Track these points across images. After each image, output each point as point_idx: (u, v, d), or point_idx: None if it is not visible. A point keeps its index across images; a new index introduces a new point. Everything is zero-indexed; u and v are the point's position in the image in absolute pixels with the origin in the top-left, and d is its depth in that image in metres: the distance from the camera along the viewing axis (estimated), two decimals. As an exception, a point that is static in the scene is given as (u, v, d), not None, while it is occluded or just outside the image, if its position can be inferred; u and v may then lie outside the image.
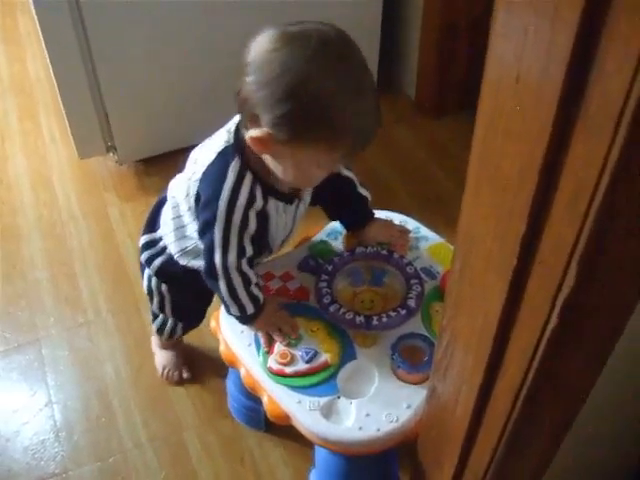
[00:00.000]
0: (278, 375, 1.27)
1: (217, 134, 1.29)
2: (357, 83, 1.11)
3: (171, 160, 2.40)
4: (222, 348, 1.38)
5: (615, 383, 1.05)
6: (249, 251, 1.27)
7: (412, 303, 1.32)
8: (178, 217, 1.39)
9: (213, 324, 1.41)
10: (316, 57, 1.07)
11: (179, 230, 1.40)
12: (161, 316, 1.68)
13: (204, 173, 1.25)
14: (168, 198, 1.41)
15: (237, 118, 1.25)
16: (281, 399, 1.26)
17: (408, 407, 1.22)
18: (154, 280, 1.55)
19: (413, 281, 1.36)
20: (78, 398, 1.83)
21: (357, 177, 1.47)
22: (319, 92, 1.07)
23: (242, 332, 1.35)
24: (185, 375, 1.83)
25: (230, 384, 1.67)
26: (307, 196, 1.38)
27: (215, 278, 1.28)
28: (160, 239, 1.47)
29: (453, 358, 0.95)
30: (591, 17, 0.50)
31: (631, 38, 0.47)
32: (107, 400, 1.81)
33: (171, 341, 1.79)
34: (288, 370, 1.27)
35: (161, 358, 1.84)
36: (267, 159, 1.19)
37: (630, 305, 0.72)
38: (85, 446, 1.72)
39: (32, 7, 2.01)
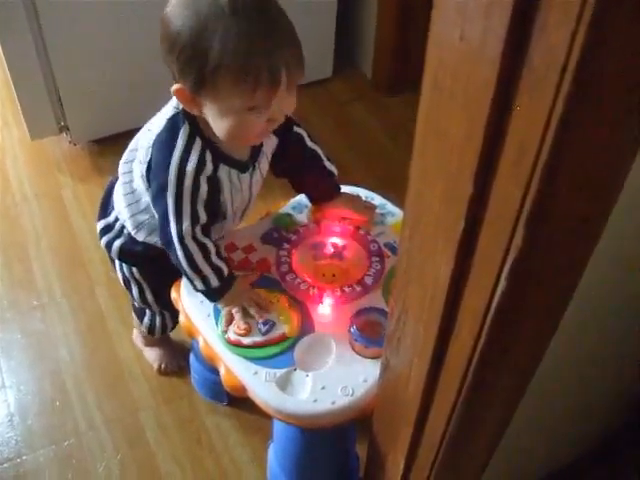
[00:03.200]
0: (235, 345, 1.26)
1: (169, 102, 1.28)
2: (247, 20, 1.08)
3: (126, 140, 2.32)
4: (182, 319, 1.36)
5: (577, 356, 1.05)
6: (203, 218, 1.25)
7: (369, 280, 1.31)
8: (131, 192, 1.36)
9: (174, 295, 1.40)
10: (203, 4, 1.09)
11: (134, 205, 1.37)
12: (148, 313, 1.65)
13: (155, 139, 1.24)
14: (119, 176, 1.39)
15: None
16: (238, 370, 1.24)
17: (364, 381, 1.21)
18: (125, 267, 1.51)
19: (374, 258, 1.36)
20: (32, 382, 1.80)
21: (323, 151, 1.46)
22: (201, 32, 1.08)
23: (201, 302, 1.34)
24: (182, 363, 1.80)
25: (192, 357, 1.66)
26: (263, 164, 1.36)
27: (173, 247, 1.26)
28: (116, 220, 1.44)
29: (405, 329, 0.94)
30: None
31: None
32: (61, 383, 1.79)
33: (163, 336, 1.76)
34: (245, 341, 1.26)
35: (152, 354, 1.82)
36: (201, 112, 1.19)
37: (579, 266, 0.71)
38: (39, 430, 1.70)
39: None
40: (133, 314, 1.71)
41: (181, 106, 1.22)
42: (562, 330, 0.82)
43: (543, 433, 1.30)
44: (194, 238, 1.25)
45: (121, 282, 1.56)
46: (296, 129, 1.40)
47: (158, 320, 1.65)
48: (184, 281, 1.36)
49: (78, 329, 1.91)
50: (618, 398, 1.47)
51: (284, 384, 1.21)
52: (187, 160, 1.20)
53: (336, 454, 1.44)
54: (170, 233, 1.25)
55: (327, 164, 1.45)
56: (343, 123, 2.50)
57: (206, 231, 1.27)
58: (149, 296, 1.57)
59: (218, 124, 1.18)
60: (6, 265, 2.07)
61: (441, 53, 0.63)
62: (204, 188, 1.23)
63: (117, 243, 1.45)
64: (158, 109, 1.31)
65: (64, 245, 2.13)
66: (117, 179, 1.42)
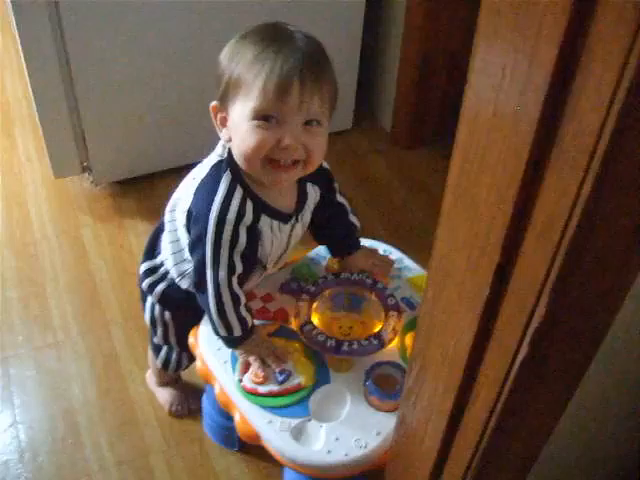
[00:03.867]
0: (251, 394, 1.28)
1: (214, 151, 1.31)
2: (275, 43, 1.16)
3: (146, 183, 2.41)
4: (199, 364, 1.38)
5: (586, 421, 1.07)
6: (239, 268, 1.26)
7: (385, 334, 1.33)
8: (176, 241, 1.38)
9: (191, 340, 1.41)
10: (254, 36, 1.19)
11: (177, 254, 1.38)
12: (165, 348, 1.65)
13: (197, 187, 1.27)
14: (165, 222, 1.40)
15: None
16: (252, 418, 1.26)
17: (378, 434, 1.23)
18: (157, 308, 1.52)
19: (392, 312, 1.37)
20: (44, 419, 1.81)
21: (350, 205, 1.48)
22: (235, 55, 1.18)
23: (219, 349, 1.36)
24: (194, 406, 1.80)
25: (206, 402, 1.66)
26: (306, 216, 1.38)
27: (205, 294, 1.27)
28: (161, 264, 1.45)
29: (423, 387, 0.95)
30: (567, 58, 0.52)
31: (604, 78, 0.49)
32: (73, 422, 1.79)
33: (176, 375, 1.77)
34: (261, 389, 1.28)
35: (164, 395, 1.82)
36: (227, 138, 1.24)
37: (600, 336, 0.73)
38: (50, 468, 1.70)
39: (13, 25, 2.02)
40: (149, 349, 1.71)
41: (225, 154, 1.25)
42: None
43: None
44: (229, 288, 1.26)
45: (147, 320, 1.57)
46: (334, 183, 1.44)
47: (174, 356, 1.66)
48: (202, 327, 1.38)
49: (92, 368, 1.92)
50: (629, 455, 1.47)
51: (298, 434, 1.23)
52: (227, 209, 1.22)
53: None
54: (206, 281, 1.26)
55: (352, 218, 1.48)
56: (361, 175, 2.53)
57: (241, 281, 1.29)
58: (172, 337, 1.58)
59: (235, 140, 1.21)
60: (23, 301, 2.09)
61: (474, 126, 0.65)
62: (243, 238, 1.24)
63: (160, 287, 1.46)
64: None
65: (81, 284, 2.15)
66: (162, 223, 1.43)
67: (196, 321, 1.43)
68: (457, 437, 0.90)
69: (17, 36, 2.01)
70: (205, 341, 1.38)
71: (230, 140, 1.23)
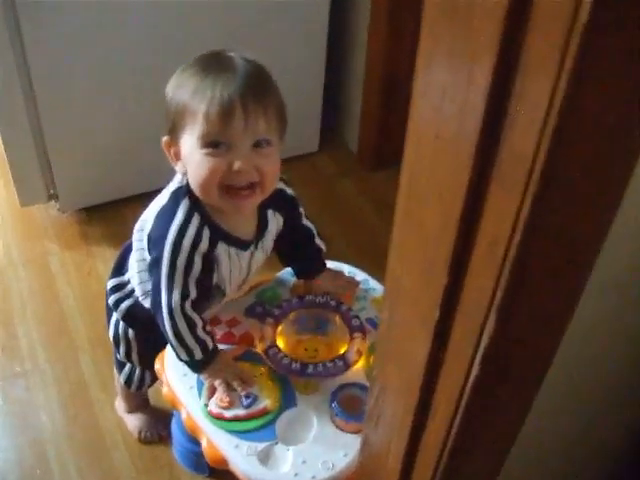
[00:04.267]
0: (217, 419, 1.28)
1: (175, 177, 1.32)
2: (215, 70, 1.19)
3: (113, 209, 2.40)
4: (165, 390, 1.38)
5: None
6: (193, 294, 1.27)
7: (351, 356, 1.34)
8: (142, 260, 1.38)
9: (157, 365, 1.41)
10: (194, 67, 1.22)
11: (143, 273, 1.39)
12: (128, 365, 1.65)
13: (157, 213, 1.28)
14: (133, 242, 1.41)
15: None
16: (219, 443, 1.26)
17: (345, 455, 1.23)
18: (121, 325, 1.52)
19: (356, 334, 1.38)
20: (12, 449, 1.79)
21: (316, 227, 1.49)
22: (178, 87, 1.22)
23: (185, 375, 1.36)
24: (163, 432, 1.79)
25: (174, 427, 1.66)
26: (267, 243, 1.39)
27: (161, 317, 1.28)
28: (128, 282, 1.46)
29: (384, 408, 0.96)
30: (502, 79, 0.53)
31: (537, 99, 0.50)
32: (42, 451, 1.78)
33: (137, 397, 1.76)
34: (227, 414, 1.27)
35: (134, 421, 1.81)
36: (183, 170, 1.25)
37: (551, 351, 0.74)
38: (18, 499, 1.69)
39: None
40: (114, 369, 1.71)
41: (185, 181, 1.26)
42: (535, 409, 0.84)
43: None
44: (182, 312, 1.27)
45: (111, 337, 1.57)
46: (299, 209, 1.45)
47: (137, 374, 1.66)
48: (168, 352, 1.38)
49: (60, 396, 1.91)
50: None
51: (265, 458, 1.23)
52: (184, 235, 1.23)
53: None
54: (160, 303, 1.27)
55: (318, 242, 1.49)
56: (328, 197, 2.54)
57: (195, 306, 1.29)
58: (135, 356, 1.58)
59: (190, 172, 1.22)
60: (-10, 330, 2.08)
61: (418, 148, 0.66)
62: (198, 265, 1.25)
63: (125, 304, 1.47)
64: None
65: (49, 312, 2.14)
66: (131, 242, 1.44)
67: (160, 341, 1.42)
68: (418, 456, 0.90)
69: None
70: (171, 366, 1.38)
71: (185, 173, 1.24)
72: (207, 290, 1.32)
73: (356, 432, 1.25)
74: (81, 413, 1.86)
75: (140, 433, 1.79)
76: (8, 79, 2.03)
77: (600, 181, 0.57)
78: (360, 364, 1.35)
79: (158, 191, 1.35)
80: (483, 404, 0.75)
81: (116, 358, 1.66)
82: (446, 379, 0.76)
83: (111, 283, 1.50)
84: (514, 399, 0.79)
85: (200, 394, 1.32)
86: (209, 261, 1.27)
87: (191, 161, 1.20)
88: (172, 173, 1.32)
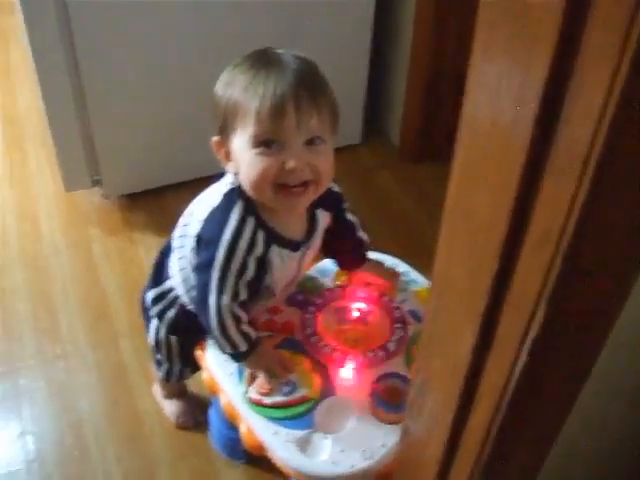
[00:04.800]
0: (257, 405, 1.28)
1: (225, 177, 1.30)
2: (265, 68, 1.17)
3: (156, 196, 2.42)
4: (205, 376, 1.39)
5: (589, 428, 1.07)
6: (243, 295, 1.26)
7: (392, 346, 1.34)
8: (186, 268, 1.37)
9: (198, 352, 1.42)
10: (244, 64, 1.20)
11: (187, 281, 1.38)
12: (167, 364, 1.64)
13: (208, 215, 1.26)
14: (173, 249, 1.40)
15: None
16: (258, 429, 1.27)
17: (383, 446, 1.23)
18: (162, 331, 1.52)
19: (398, 325, 1.38)
20: (52, 430, 1.82)
21: (358, 221, 1.49)
22: (227, 86, 1.20)
23: (225, 361, 1.36)
24: (200, 418, 1.80)
25: (213, 413, 1.67)
26: (316, 242, 1.38)
27: (207, 316, 1.28)
28: (170, 290, 1.45)
29: (426, 398, 0.96)
30: (559, 69, 0.53)
31: (595, 89, 0.50)
32: (82, 433, 1.80)
33: (176, 386, 1.77)
34: (267, 401, 1.28)
35: (171, 407, 1.82)
36: (235, 170, 1.24)
37: (600, 343, 0.73)
38: (57, 479, 1.71)
39: (25, 40, 2.04)
40: (153, 363, 1.72)
41: (238, 182, 1.24)
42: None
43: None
44: (231, 311, 1.26)
45: (151, 342, 1.57)
46: (344, 204, 1.44)
47: (176, 370, 1.66)
48: (209, 340, 1.39)
49: (100, 380, 1.93)
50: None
51: (304, 445, 1.23)
52: (239, 239, 1.21)
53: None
54: (208, 304, 1.26)
55: (361, 234, 1.48)
56: (369, 189, 2.54)
57: (247, 307, 1.29)
58: (176, 358, 1.59)
59: (241, 172, 1.21)
60: (33, 313, 2.11)
61: (472, 136, 0.66)
62: (251, 269, 1.24)
63: (171, 313, 1.46)
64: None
65: (91, 297, 2.16)
66: (168, 248, 1.43)
67: (198, 340, 1.44)
68: (459, 446, 0.90)
69: (29, 49, 2.03)
70: (211, 353, 1.39)
71: (237, 173, 1.23)
72: (256, 291, 1.31)
73: (395, 422, 1.25)
74: (120, 397, 1.88)
75: (178, 419, 1.81)
76: (56, 65, 2.05)
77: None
78: (401, 355, 1.35)
79: (201, 180, 1.35)
80: (529, 395, 0.75)
81: (156, 358, 1.67)
82: (491, 369, 0.76)
83: (152, 294, 1.48)
84: (561, 390, 0.79)
85: (240, 380, 1.33)
86: (262, 264, 1.26)
87: (243, 161, 1.19)
88: (215, 162, 1.31)
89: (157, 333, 1.53)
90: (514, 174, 0.60)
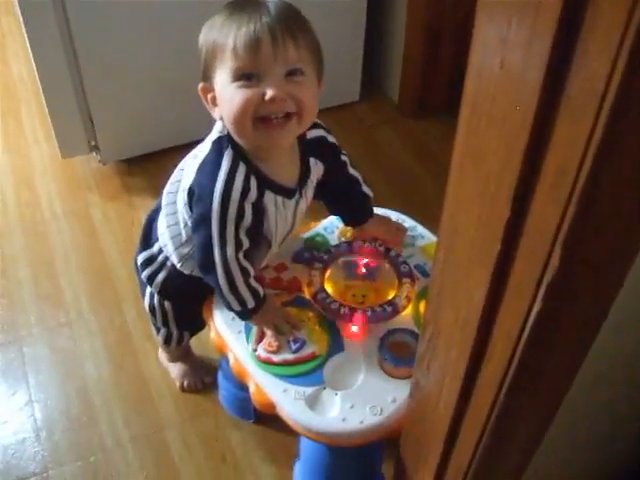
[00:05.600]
0: (265, 363, 1.28)
1: (214, 128, 1.28)
2: (244, 10, 1.15)
3: (154, 160, 2.40)
4: (212, 335, 1.38)
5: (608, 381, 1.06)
6: (246, 244, 1.25)
7: (399, 301, 1.33)
8: (174, 224, 1.35)
9: (205, 312, 1.41)
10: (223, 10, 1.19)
11: (177, 237, 1.36)
12: (164, 328, 1.64)
13: (199, 164, 1.24)
14: (162, 207, 1.38)
15: None
16: (267, 387, 1.26)
17: (393, 401, 1.23)
18: (157, 298, 1.52)
19: (405, 279, 1.37)
20: (59, 397, 1.82)
21: (361, 175, 1.47)
22: (208, 30, 1.20)
23: (233, 319, 1.36)
24: (207, 380, 1.81)
25: (221, 374, 1.67)
26: (309, 191, 1.36)
27: (214, 273, 1.26)
28: (159, 252, 1.43)
29: (436, 351, 0.95)
30: (574, 4, 0.51)
31: (612, 25, 0.48)
32: (88, 399, 1.80)
33: (179, 350, 1.76)
34: (275, 358, 1.28)
35: (176, 371, 1.82)
36: (220, 115, 1.22)
37: (614, 290, 0.72)
38: (66, 445, 1.71)
39: (17, 7, 2.01)
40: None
41: (226, 130, 1.23)
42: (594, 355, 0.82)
43: (571, 460, 1.30)
44: (238, 262, 1.25)
45: (146, 308, 1.57)
46: (342, 157, 1.42)
47: (175, 335, 1.65)
48: (216, 299, 1.38)
49: (105, 346, 1.93)
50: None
51: (313, 402, 1.23)
52: (232, 186, 1.20)
53: (362, 473, 1.45)
54: (213, 260, 1.24)
55: (365, 189, 1.47)
56: (370, 146, 2.52)
57: (247, 255, 1.27)
58: (171, 322, 1.58)
59: (224, 109, 1.19)
60: (34, 281, 2.10)
61: (480, 80, 0.64)
62: (249, 214, 1.22)
63: (160, 277, 1.45)
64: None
65: (92, 262, 2.15)
66: (157, 211, 1.42)
67: (193, 304, 1.43)
68: (472, 398, 0.89)
69: (20, 17, 2.00)
70: (218, 312, 1.38)
71: (223, 118, 1.21)
72: (260, 241, 1.30)
73: (405, 377, 1.24)
74: (126, 362, 1.88)
75: (183, 382, 1.80)
76: (49, 33, 2.02)
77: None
78: (408, 310, 1.34)
79: (198, 142, 1.32)
80: (543, 342, 0.74)
81: (153, 323, 1.66)
82: (504, 318, 0.75)
83: (141, 258, 1.47)
84: (574, 339, 0.78)
85: (248, 339, 1.32)
86: (258, 211, 1.25)
87: (224, 97, 1.17)
88: (212, 125, 1.29)
89: (151, 298, 1.53)
90: (527, 115, 0.58)
